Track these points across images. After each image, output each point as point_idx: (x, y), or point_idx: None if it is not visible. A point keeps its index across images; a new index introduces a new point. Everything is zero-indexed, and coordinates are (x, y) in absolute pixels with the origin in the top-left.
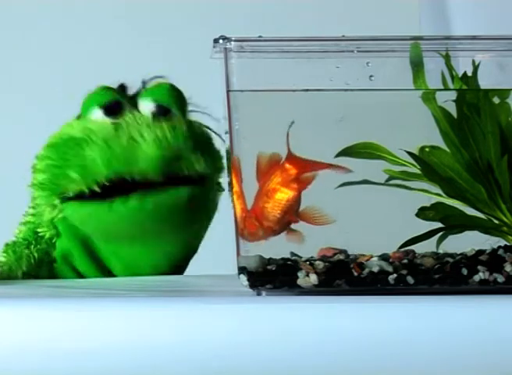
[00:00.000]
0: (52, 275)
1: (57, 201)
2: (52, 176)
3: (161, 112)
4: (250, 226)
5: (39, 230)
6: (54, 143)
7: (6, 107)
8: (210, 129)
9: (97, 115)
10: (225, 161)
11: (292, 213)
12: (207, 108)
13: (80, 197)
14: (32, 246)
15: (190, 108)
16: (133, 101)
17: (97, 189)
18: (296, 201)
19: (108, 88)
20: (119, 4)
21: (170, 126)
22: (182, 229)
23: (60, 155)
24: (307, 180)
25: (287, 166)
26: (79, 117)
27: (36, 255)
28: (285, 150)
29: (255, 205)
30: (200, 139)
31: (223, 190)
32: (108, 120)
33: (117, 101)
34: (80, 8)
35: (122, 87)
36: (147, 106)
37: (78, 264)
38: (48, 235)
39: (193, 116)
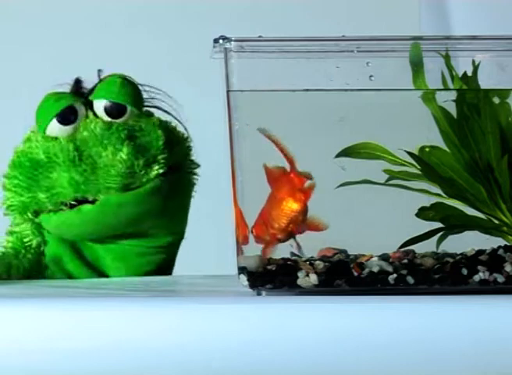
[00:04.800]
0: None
1: (30, 216)
2: (22, 197)
3: (115, 111)
4: (258, 230)
5: (25, 239)
6: (20, 163)
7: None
8: (171, 115)
9: (54, 126)
10: (191, 144)
11: (297, 223)
12: (160, 93)
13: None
14: (21, 255)
15: (145, 100)
16: (88, 99)
17: (63, 207)
18: (303, 211)
19: (60, 95)
20: (119, 4)
21: (126, 135)
22: (158, 214)
23: (27, 177)
24: (309, 190)
25: (292, 176)
26: (36, 130)
27: (26, 265)
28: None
29: (264, 211)
30: (165, 135)
31: (196, 167)
32: (66, 130)
33: (71, 107)
34: (80, 9)
35: (78, 82)
36: (100, 105)
37: (70, 267)
38: (34, 243)
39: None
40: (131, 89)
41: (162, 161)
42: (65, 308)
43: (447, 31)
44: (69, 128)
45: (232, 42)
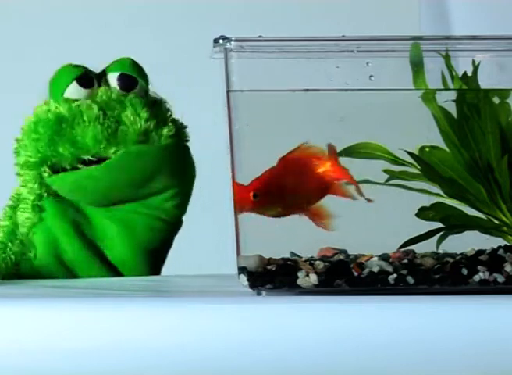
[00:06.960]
0: (33, 270)
1: (45, 176)
2: (41, 153)
3: (128, 82)
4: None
5: (24, 215)
6: (40, 120)
7: None
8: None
9: (73, 89)
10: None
11: (303, 207)
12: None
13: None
14: (8, 249)
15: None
16: (99, 77)
17: (80, 166)
18: (318, 200)
19: (76, 65)
20: (119, 4)
21: (141, 103)
22: (170, 173)
23: (49, 132)
24: (342, 191)
25: (330, 168)
26: (50, 97)
27: (13, 257)
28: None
29: (269, 180)
30: (162, 111)
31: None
32: (84, 93)
33: (88, 74)
34: (80, 9)
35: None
36: (114, 76)
37: (66, 248)
38: (29, 223)
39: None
40: (140, 67)
41: (171, 124)
42: (65, 308)
43: (447, 31)
44: (88, 91)
45: (232, 42)
